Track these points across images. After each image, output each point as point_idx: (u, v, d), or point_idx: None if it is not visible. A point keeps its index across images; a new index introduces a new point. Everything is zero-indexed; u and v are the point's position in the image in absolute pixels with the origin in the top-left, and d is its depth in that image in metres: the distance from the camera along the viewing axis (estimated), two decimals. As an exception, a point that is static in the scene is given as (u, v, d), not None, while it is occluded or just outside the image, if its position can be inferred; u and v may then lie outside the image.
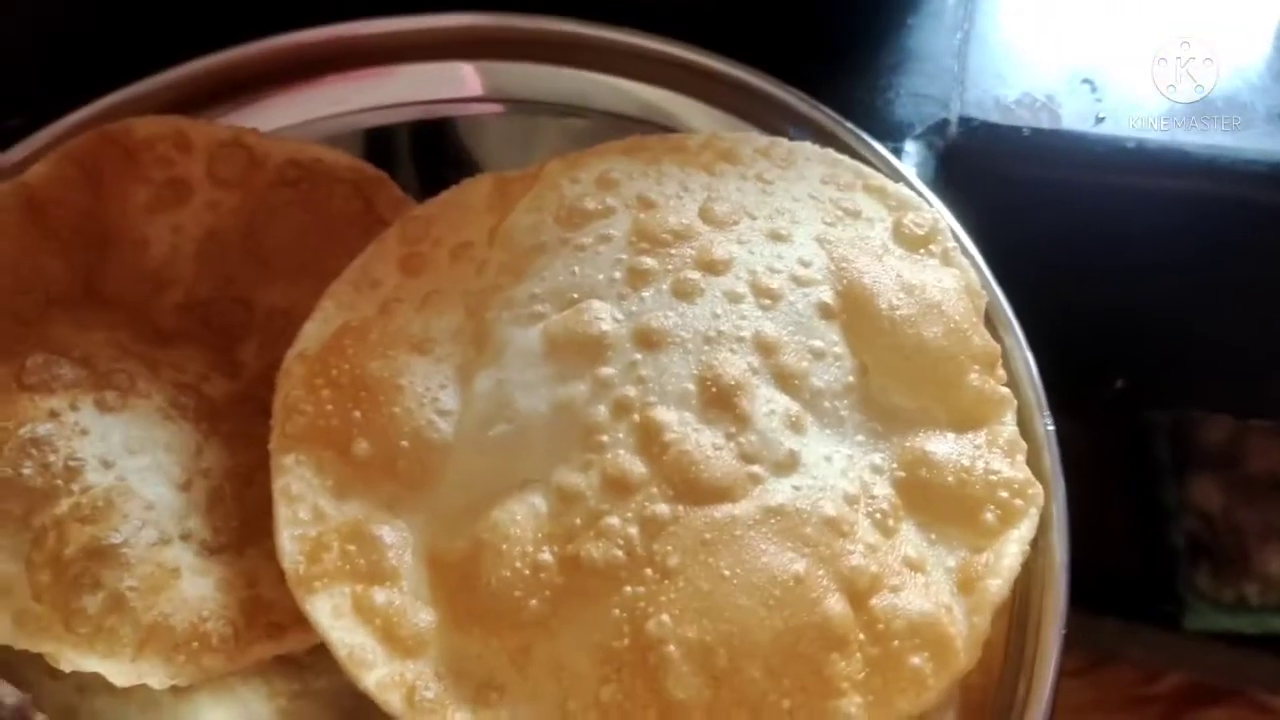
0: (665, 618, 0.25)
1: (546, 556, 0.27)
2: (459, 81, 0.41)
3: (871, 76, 0.44)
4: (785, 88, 0.38)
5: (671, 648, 0.25)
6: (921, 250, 0.33)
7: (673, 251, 0.31)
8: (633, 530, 0.26)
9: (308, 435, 0.30)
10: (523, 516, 0.27)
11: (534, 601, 0.26)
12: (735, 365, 0.29)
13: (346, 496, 0.30)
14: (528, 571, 0.27)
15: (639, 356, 0.29)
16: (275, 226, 0.37)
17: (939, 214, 0.34)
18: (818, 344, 0.30)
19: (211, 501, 0.32)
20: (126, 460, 0.32)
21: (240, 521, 0.32)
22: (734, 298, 0.30)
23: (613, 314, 0.30)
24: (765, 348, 0.29)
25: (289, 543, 0.29)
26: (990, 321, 0.33)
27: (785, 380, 0.29)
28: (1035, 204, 0.43)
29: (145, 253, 0.37)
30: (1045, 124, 0.42)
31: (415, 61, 0.41)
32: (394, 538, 0.29)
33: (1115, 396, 0.50)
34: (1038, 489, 0.29)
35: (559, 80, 0.40)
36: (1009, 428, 0.30)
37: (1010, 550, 0.28)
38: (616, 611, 0.26)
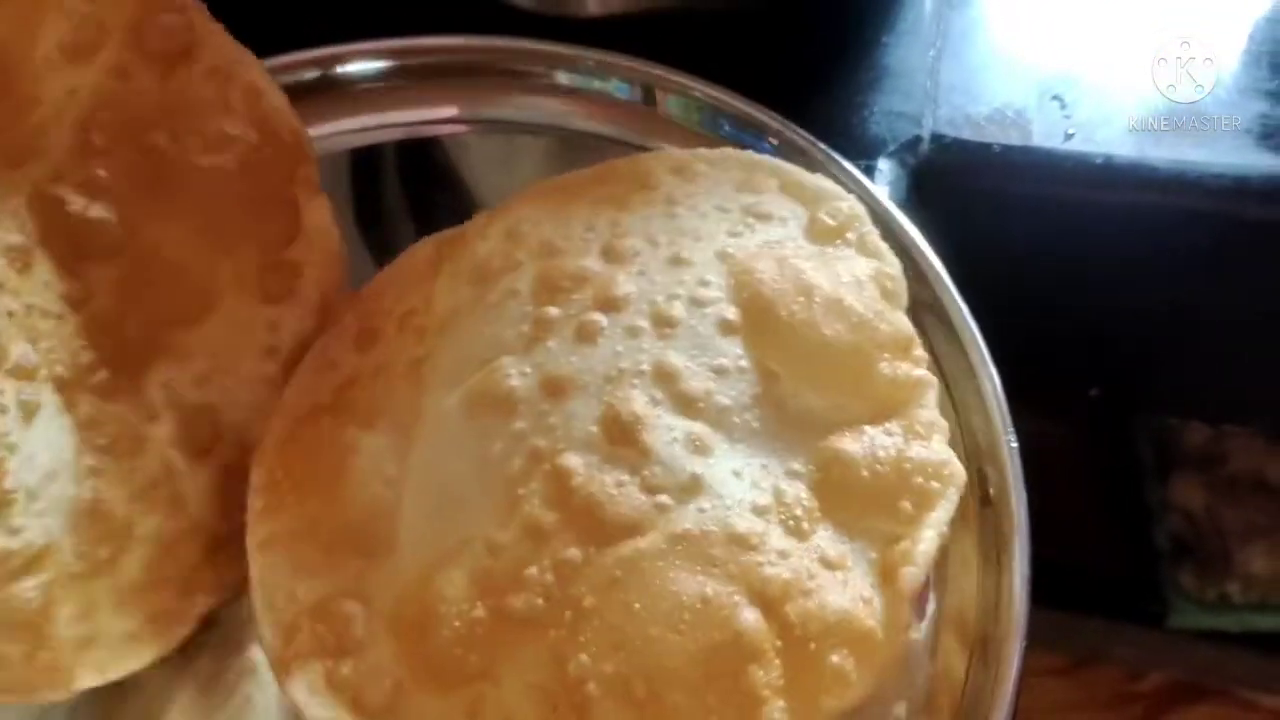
0: (584, 657, 0.26)
1: (480, 612, 0.28)
2: (437, 103, 0.42)
3: (847, 95, 0.45)
4: (756, 106, 0.39)
5: (592, 685, 0.26)
6: (837, 241, 0.33)
7: (574, 296, 0.31)
8: (549, 578, 0.27)
9: (275, 525, 0.32)
10: (459, 576, 0.28)
11: (474, 656, 0.27)
12: (635, 400, 0.29)
13: (316, 576, 0.31)
14: (465, 629, 0.28)
15: (546, 407, 0.30)
16: (200, 171, 0.33)
17: (855, 202, 0.34)
18: (721, 362, 0.30)
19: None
20: None
21: None
22: (634, 332, 0.30)
23: (520, 369, 0.30)
24: (665, 377, 0.30)
25: (267, 630, 0.30)
26: (954, 339, 0.33)
27: (688, 405, 0.29)
28: (1007, 218, 0.44)
29: (31, 110, 0.31)
30: (1016, 140, 0.42)
31: (394, 83, 0.41)
32: (359, 610, 0.30)
33: (1091, 404, 0.51)
34: (955, 467, 0.29)
35: (535, 101, 0.41)
36: (926, 410, 0.30)
37: (926, 535, 0.28)
38: (545, 656, 0.27)
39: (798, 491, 0.28)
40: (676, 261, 0.32)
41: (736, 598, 0.26)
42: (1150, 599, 0.67)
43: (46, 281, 0.31)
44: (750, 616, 0.26)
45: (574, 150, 0.43)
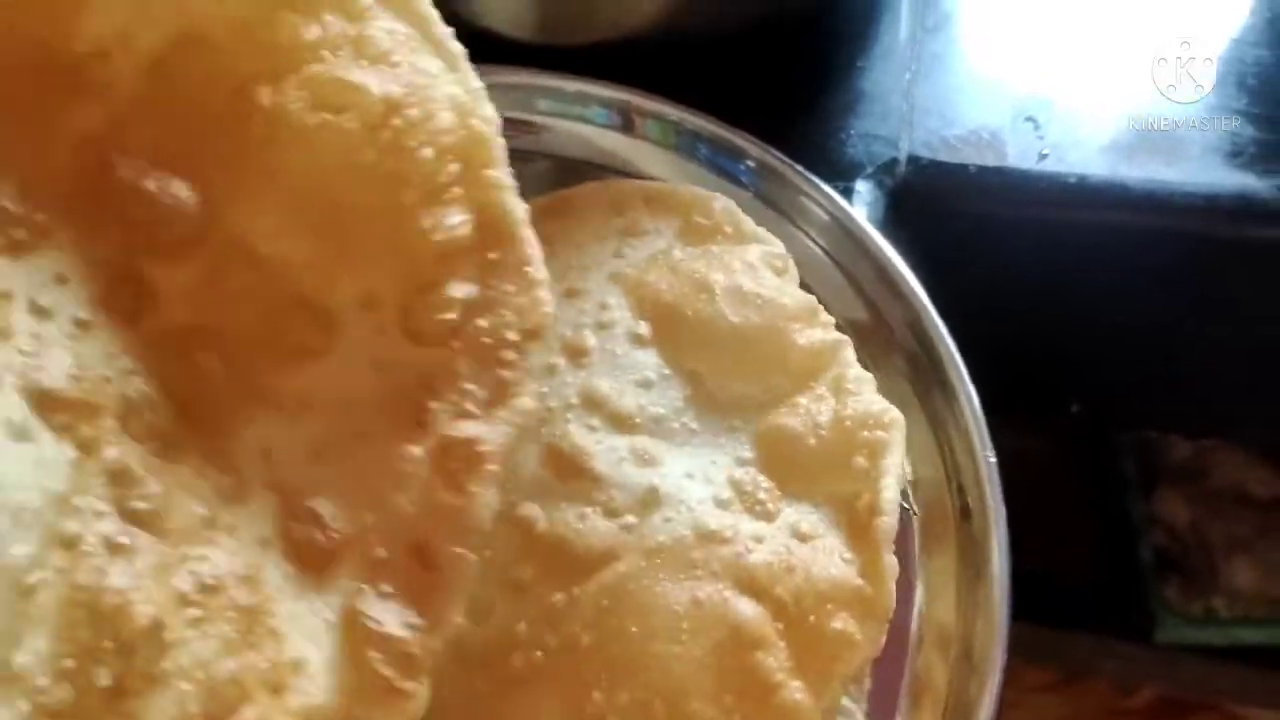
0: (597, 695, 0.26)
1: (481, 685, 0.27)
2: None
3: (825, 119, 0.45)
4: (732, 130, 0.39)
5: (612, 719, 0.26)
6: (717, 237, 0.34)
7: None
8: (540, 629, 0.27)
9: None
10: (448, 655, 0.27)
11: None
12: (573, 432, 0.29)
13: None
14: (468, 709, 0.27)
15: None
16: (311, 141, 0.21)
17: (725, 199, 0.35)
18: (644, 374, 0.31)
19: None
20: None
21: None
22: (552, 370, 0.31)
23: None
24: (595, 403, 0.30)
25: None
26: (933, 357, 0.34)
27: (624, 423, 0.30)
28: (983, 238, 0.44)
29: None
30: (991, 161, 0.43)
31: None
32: None
33: (1073, 420, 0.51)
34: (893, 413, 0.30)
35: (518, 128, 0.41)
36: (849, 368, 0.31)
37: (887, 483, 0.28)
38: (557, 706, 0.26)
39: (753, 477, 0.29)
40: (571, 294, 0.33)
41: (726, 593, 0.27)
42: (1137, 614, 0.68)
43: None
44: (745, 607, 0.26)
45: (558, 174, 0.43)
